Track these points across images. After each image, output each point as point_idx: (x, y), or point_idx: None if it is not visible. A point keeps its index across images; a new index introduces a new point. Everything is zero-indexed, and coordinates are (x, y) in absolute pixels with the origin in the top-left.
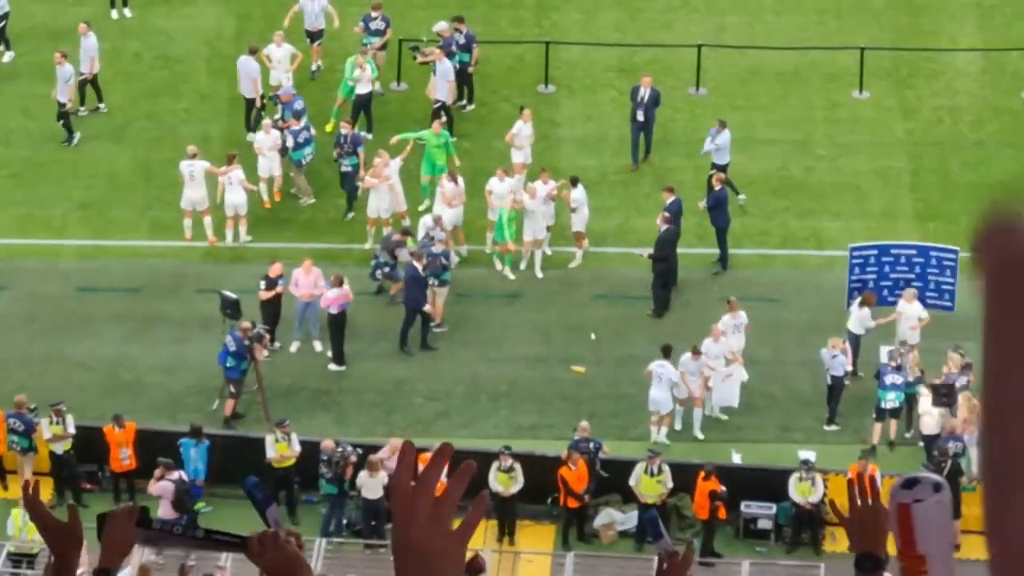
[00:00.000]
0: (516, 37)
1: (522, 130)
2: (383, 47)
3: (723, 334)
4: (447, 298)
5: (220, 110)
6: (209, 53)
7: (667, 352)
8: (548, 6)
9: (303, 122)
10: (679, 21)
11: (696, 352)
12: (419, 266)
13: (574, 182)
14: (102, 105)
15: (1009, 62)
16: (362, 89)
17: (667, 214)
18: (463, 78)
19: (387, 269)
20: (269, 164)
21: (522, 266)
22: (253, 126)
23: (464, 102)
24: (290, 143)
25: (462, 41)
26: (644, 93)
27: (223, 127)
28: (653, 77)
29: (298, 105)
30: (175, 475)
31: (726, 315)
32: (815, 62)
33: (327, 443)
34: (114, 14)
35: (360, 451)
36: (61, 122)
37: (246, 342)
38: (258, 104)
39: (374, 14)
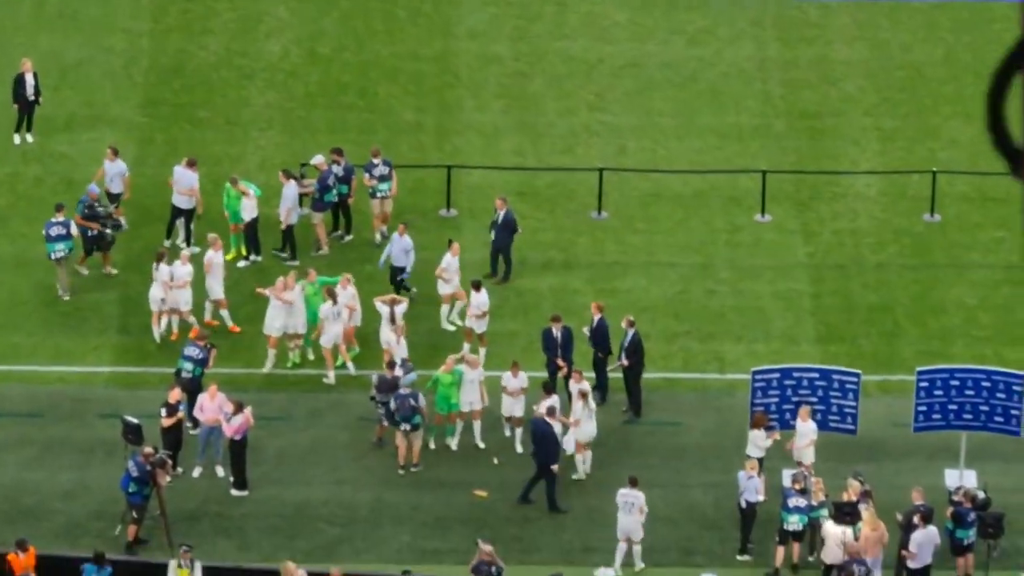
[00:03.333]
0: (418, 162)
1: (451, 264)
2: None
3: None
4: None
5: (122, 234)
6: None
7: (634, 482)
8: (449, 131)
9: (61, 217)
10: (580, 145)
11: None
12: (553, 422)
13: (476, 286)
14: None
15: (910, 184)
16: (249, 215)
17: (631, 318)
18: (343, 209)
19: (395, 402)
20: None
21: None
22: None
23: (342, 232)
24: (44, 233)
25: (341, 173)
26: (497, 215)
27: (124, 252)
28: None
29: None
30: None
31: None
32: (716, 186)
33: None
34: (16, 139)
35: None
36: None
37: (148, 467)
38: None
39: (375, 160)
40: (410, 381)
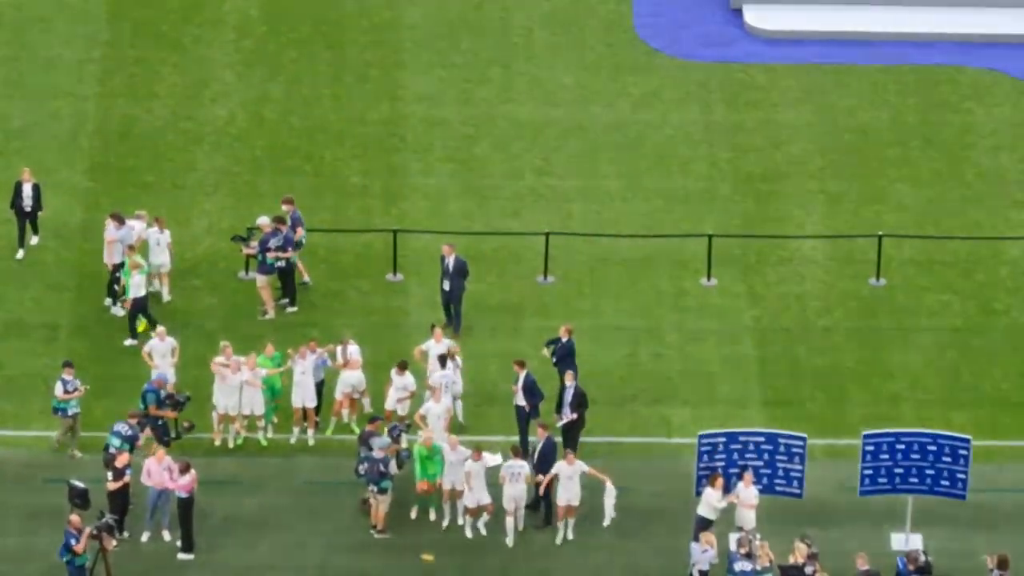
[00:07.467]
0: (365, 226)
1: (432, 348)
2: (298, 245)
3: None
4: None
5: (67, 299)
6: (57, 244)
7: (517, 452)
8: (396, 195)
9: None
10: (526, 209)
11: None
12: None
13: (401, 368)
14: None
15: (855, 248)
16: (137, 293)
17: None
18: (286, 278)
19: (366, 464)
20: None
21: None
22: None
23: (286, 301)
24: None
25: (280, 243)
26: (448, 262)
27: (70, 317)
28: (459, 249)
29: None
30: None
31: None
32: (663, 249)
33: None
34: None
35: None
36: None
37: (75, 533)
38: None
39: (285, 207)
40: (384, 444)
